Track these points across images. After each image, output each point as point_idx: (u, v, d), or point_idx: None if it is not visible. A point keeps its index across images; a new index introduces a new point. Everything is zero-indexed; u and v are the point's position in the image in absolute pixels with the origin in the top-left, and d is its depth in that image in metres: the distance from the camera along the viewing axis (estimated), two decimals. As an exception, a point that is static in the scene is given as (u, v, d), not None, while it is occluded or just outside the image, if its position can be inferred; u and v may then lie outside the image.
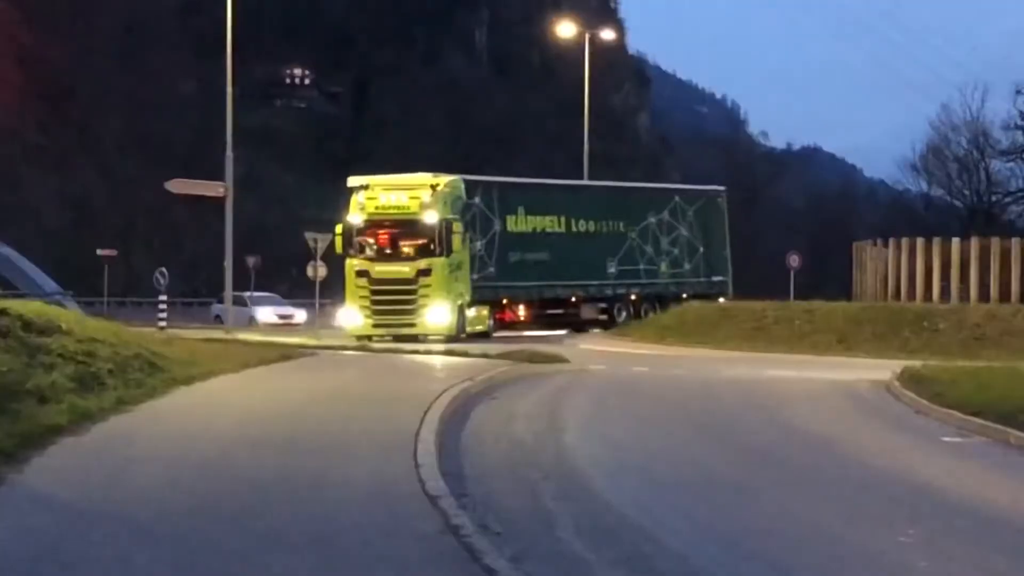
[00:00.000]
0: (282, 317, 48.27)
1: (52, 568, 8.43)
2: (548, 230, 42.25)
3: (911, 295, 40.07)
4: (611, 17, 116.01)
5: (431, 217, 34.59)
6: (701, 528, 10.92)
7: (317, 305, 49.06)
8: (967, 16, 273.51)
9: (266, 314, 49.36)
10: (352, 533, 9.56)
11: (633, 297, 44.95)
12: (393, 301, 34.42)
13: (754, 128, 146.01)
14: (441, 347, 31.00)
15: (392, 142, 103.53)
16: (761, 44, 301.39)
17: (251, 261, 54.54)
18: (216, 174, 37.99)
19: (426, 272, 34.39)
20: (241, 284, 48.20)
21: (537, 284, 41.59)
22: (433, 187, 35.31)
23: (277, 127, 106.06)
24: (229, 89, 36.49)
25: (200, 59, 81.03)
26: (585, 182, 49.11)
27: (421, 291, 34.39)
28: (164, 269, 42.74)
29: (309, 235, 45.61)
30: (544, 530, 10.49)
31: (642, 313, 44.60)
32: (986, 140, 71.27)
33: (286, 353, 26.34)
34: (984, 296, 38.49)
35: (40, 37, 74.89)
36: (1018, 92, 67.72)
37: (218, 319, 50.86)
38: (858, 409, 21.02)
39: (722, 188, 50.98)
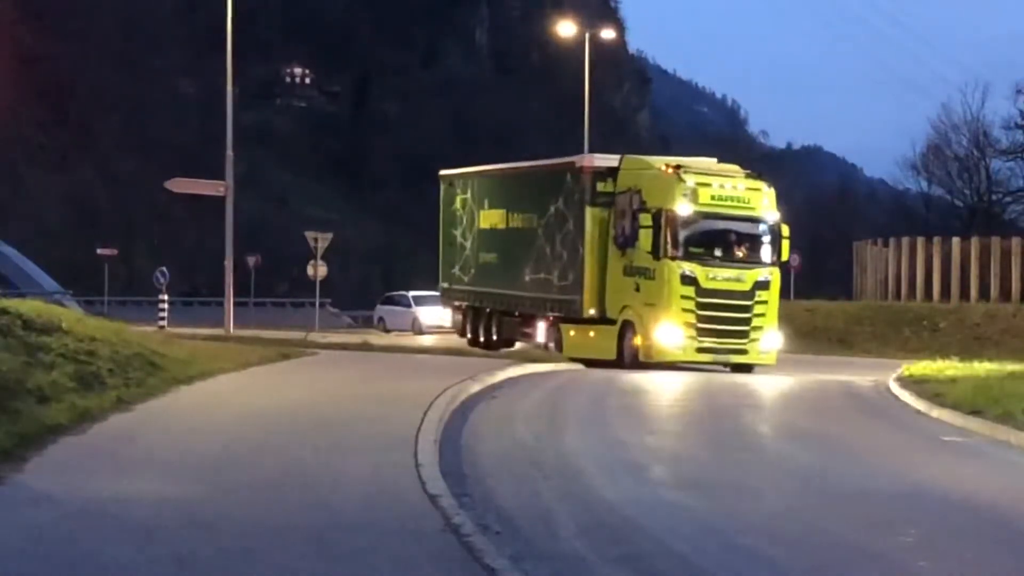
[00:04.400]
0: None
1: (52, 567, 8.43)
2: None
3: (911, 295, 40.10)
4: (611, 16, 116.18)
5: (772, 216, 28.39)
6: (701, 528, 10.92)
7: (317, 305, 49.09)
8: (967, 16, 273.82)
9: (431, 316, 44.92)
10: (352, 532, 9.56)
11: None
12: (725, 319, 27.63)
13: (754, 128, 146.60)
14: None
15: (392, 141, 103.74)
16: (761, 44, 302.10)
17: (251, 260, 54.68)
18: (216, 173, 37.97)
19: (763, 285, 27.93)
20: (241, 283, 48.21)
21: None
22: (755, 177, 29.10)
23: (277, 126, 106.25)
24: (229, 89, 36.48)
25: (200, 59, 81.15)
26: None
27: (757, 308, 27.80)
28: (164, 268, 42.80)
29: (309, 234, 45.66)
30: (544, 529, 10.48)
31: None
32: (986, 139, 71.24)
33: (286, 352, 26.36)
34: (984, 296, 38.52)
35: (40, 37, 75.01)
36: (1018, 92, 67.71)
37: (381, 322, 49.70)
38: (858, 409, 21.03)
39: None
